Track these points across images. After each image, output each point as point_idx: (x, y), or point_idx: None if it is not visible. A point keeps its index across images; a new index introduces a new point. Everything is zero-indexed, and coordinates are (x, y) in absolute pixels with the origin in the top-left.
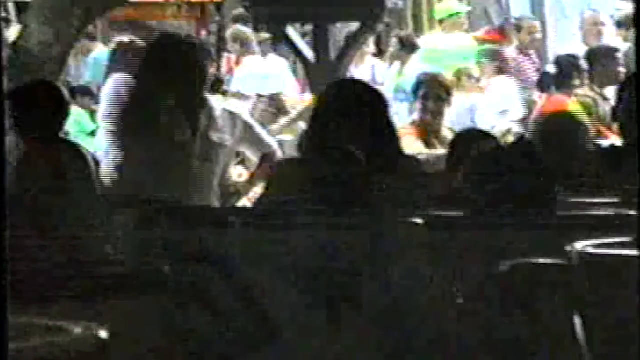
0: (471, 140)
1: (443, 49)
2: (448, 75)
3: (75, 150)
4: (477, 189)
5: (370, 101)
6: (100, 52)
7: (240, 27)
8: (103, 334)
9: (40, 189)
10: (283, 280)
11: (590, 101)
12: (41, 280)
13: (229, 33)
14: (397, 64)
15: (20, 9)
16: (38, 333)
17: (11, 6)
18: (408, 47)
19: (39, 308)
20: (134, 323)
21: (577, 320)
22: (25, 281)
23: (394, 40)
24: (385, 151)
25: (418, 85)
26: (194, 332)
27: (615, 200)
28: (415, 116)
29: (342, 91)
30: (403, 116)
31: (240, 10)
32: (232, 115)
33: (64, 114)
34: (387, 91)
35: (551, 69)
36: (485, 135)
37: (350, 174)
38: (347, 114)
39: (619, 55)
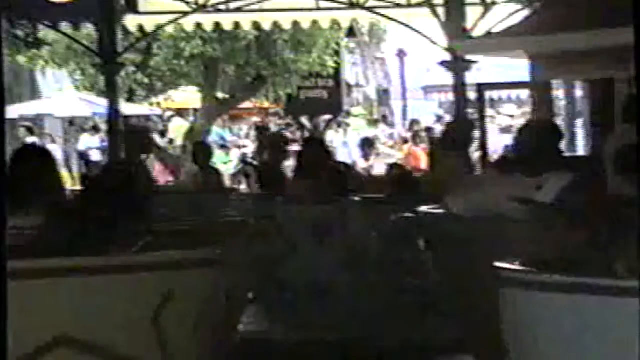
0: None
1: None
2: None
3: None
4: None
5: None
6: None
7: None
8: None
9: None
10: (298, 227)
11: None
12: None
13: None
14: (341, 130)
15: None
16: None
17: None
18: (343, 124)
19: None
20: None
21: (423, 244)
22: None
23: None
24: (340, 168)
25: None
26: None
27: None
28: None
29: (318, 146)
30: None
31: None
32: None
33: None
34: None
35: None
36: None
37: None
38: (321, 156)
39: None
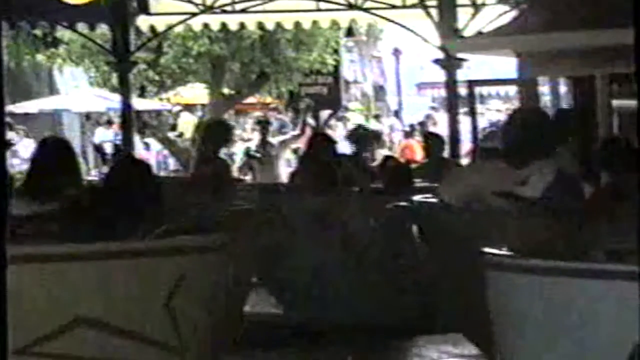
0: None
1: None
2: None
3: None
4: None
5: (334, 141)
6: None
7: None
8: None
9: None
10: (301, 216)
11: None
12: None
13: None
14: (340, 124)
15: None
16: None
17: None
18: (343, 118)
19: None
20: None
21: (416, 230)
22: None
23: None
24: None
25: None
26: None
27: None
28: None
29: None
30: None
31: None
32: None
33: None
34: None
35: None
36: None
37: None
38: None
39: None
